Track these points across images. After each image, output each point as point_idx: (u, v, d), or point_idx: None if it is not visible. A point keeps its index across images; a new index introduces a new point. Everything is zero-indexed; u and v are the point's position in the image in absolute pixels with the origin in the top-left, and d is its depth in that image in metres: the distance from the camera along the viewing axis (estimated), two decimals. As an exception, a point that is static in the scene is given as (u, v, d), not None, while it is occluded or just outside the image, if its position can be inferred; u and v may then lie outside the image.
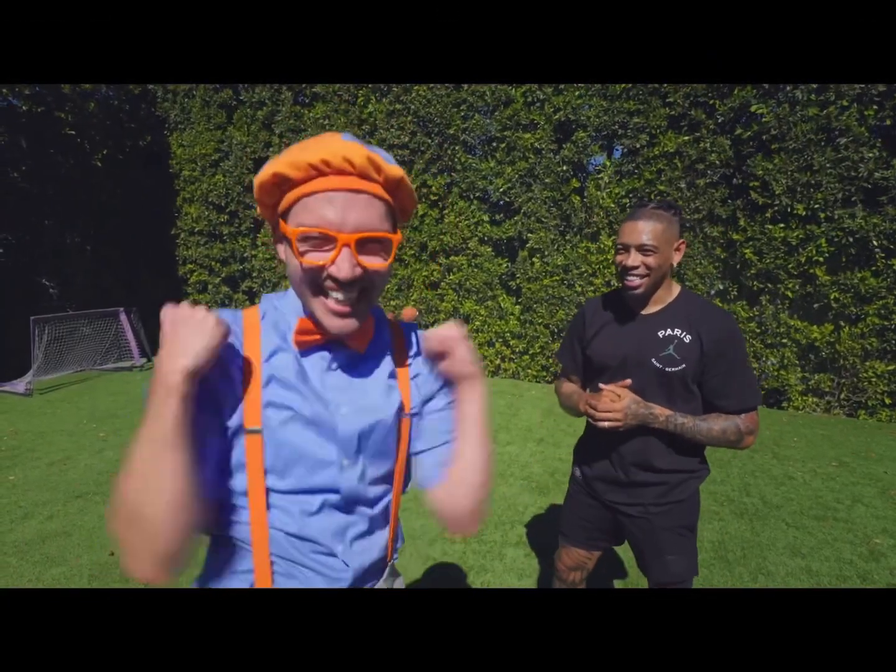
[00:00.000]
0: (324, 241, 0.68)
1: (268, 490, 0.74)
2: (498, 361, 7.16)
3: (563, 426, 4.99)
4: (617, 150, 6.33)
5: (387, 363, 0.84)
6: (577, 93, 6.02)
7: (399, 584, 0.92)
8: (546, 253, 6.54)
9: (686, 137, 5.55)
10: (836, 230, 5.08)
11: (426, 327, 6.09)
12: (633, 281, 1.35)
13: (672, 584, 1.43)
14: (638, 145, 5.79)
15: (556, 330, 6.69)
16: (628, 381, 1.35)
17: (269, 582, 0.77)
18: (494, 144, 6.66)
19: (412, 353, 0.88)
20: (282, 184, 0.71)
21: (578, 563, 1.65)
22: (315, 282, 0.70)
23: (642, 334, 1.40)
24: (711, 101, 5.42)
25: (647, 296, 1.40)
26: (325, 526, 0.77)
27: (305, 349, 0.76)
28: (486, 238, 6.89)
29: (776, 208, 5.29)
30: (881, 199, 4.89)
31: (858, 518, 3.28)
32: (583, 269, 6.35)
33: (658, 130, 5.68)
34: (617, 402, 1.31)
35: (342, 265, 0.67)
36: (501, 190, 6.65)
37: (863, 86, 4.72)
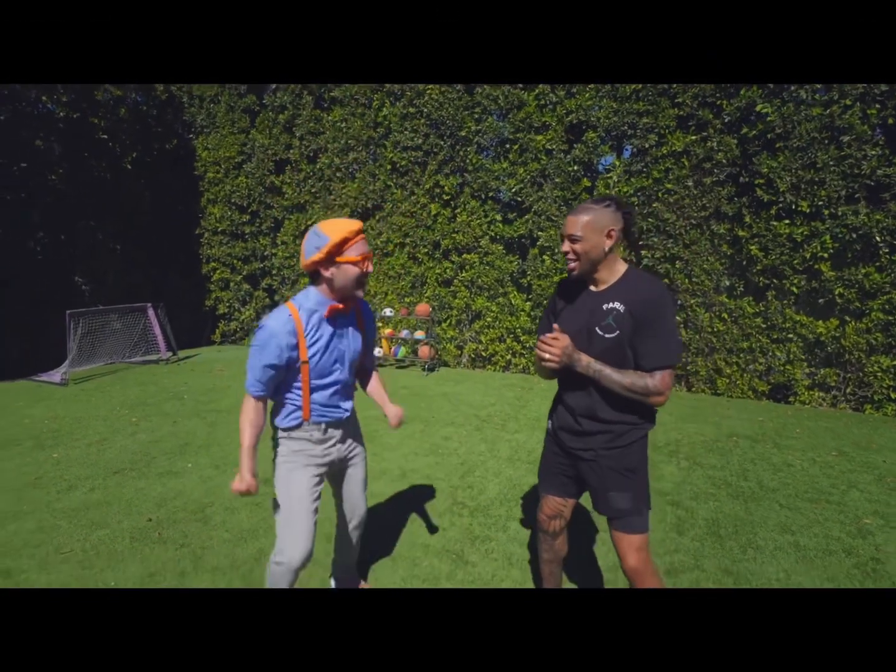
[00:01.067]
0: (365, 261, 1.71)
1: (311, 388, 1.77)
2: (509, 356, 7.35)
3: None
4: (627, 149, 6.48)
5: (352, 316, 1.86)
6: (587, 95, 6.20)
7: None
8: (556, 251, 6.71)
9: (693, 137, 5.70)
10: (840, 227, 5.18)
11: (440, 323, 6.31)
12: (569, 265, 1.65)
13: (615, 517, 1.68)
14: (647, 145, 5.95)
15: (565, 326, 6.86)
16: (557, 326, 1.63)
17: (308, 416, 1.78)
18: (507, 146, 6.86)
19: (364, 310, 1.94)
20: (345, 241, 1.65)
21: (556, 510, 1.88)
22: (360, 279, 1.71)
23: (592, 308, 1.65)
24: (718, 102, 5.55)
25: (587, 275, 1.66)
26: (339, 395, 1.85)
27: (329, 317, 1.74)
28: (497, 236, 7.09)
29: (781, 205, 5.41)
30: (884, 196, 4.99)
31: (851, 501, 3.40)
32: (592, 266, 6.51)
33: (666, 130, 5.83)
34: (556, 344, 1.57)
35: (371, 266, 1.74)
36: (513, 190, 6.85)
37: (865, 85, 4.83)
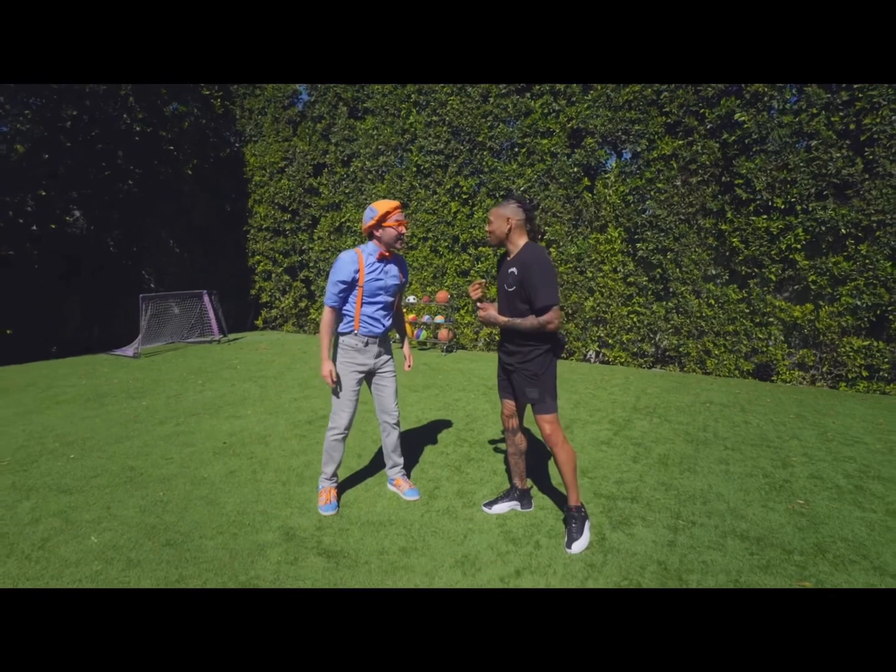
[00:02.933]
0: (401, 225, 2.74)
1: (364, 302, 2.76)
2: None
3: (568, 387, 5.94)
4: (625, 153, 7.19)
5: (397, 264, 2.87)
6: (586, 104, 6.95)
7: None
8: (561, 243, 7.48)
9: (680, 142, 6.39)
10: (811, 220, 5.81)
11: (458, 310, 7.16)
12: (489, 238, 2.55)
13: (532, 404, 2.49)
14: (639, 149, 6.67)
15: (570, 312, 7.62)
16: (483, 280, 2.54)
17: (357, 326, 2.78)
18: (516, 150, 7.66)
19: (404, 262, 2.95)
20: (387, 214, 2.70)
21: (510, 410, 2.74)
22: (398, 237, 2.73)
23: (503, 272, 2.51)
24: (702, 110, 6.24)
25: (500, 246, 2.52)
26: (381, 312, 2.82)
27: (380, 260, 2.76)
28: (509, 231, 7.88)
29: (759, 202, 6.06)
30: (848, 193, 5.60)
31: (788, 447, 4.09)
32: (593, 258, 7.26)
33: (656, 136, 6.54)
34: (486, 308, 2.50)
35: (406, 231, 2.80)
36: (522, 189, 7.64)
37: (830, 95, 5.45)
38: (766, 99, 5.79)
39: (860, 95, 5.34)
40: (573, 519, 2.58)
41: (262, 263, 9.90)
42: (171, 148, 7.66)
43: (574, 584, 2.26)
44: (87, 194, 6.96)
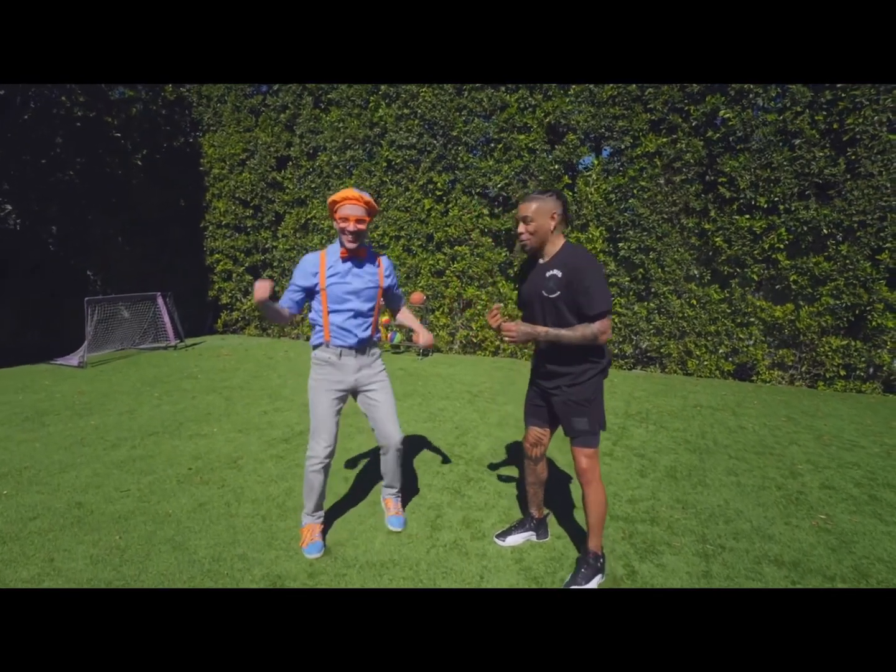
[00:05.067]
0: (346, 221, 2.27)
1: (329, 310, 2.36)
2: (498, 342, 7.88)
3: (553, 391, 5.72)
4: (605, 150, 7.03)
5: (372, 265, 2.45)
6: (567, 99, 6.74)
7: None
8: (541, 243, 7.25)
9: (664, 139, 6.27)
10: (793, 220, 5.78)
11: (433, 311, 6.82)
12: (522, 241, 2.14)
13: (576, 437, 2.16)
14: (622, 146, 6.51)
15: (550, 312, 7.41)
16: (499, 305, 2.12)
17: (328, 336, 2.39)
18: (492, 145, 7.38)
19: (384, 266, 2.49)
20: (334, 203, 2.27)
21: (537, 439, 2.40)
22: (344, 235, 2.29)
23: (540, 275, 2.14)
24: (686, 108, 6.13)
25: (538, 250, 2.15)
26: (350, 322, 2.38)
27: (344, 260, 2.36)
28: (486, 230, 7.61)
29: (742, 201, 6.01)
30: (830, 193, 5.60)
31: (790, 454, 3.98)
32: (574, 257, 7.06)
33: (640, 133, 6.39)
34: (513, 326, 2.03)
35: (351, 227, 2.28)
36: (499, 186, 7.38)
37: (813, 94, 5.42)
38: (750, 96, 5.71)
39: (843, 95, 5.33)
40: (586, 564, 2.28)
41: (221, 262, 9.24)
42: (119, 135, 6.95)
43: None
44: (19, 186, 6.21)
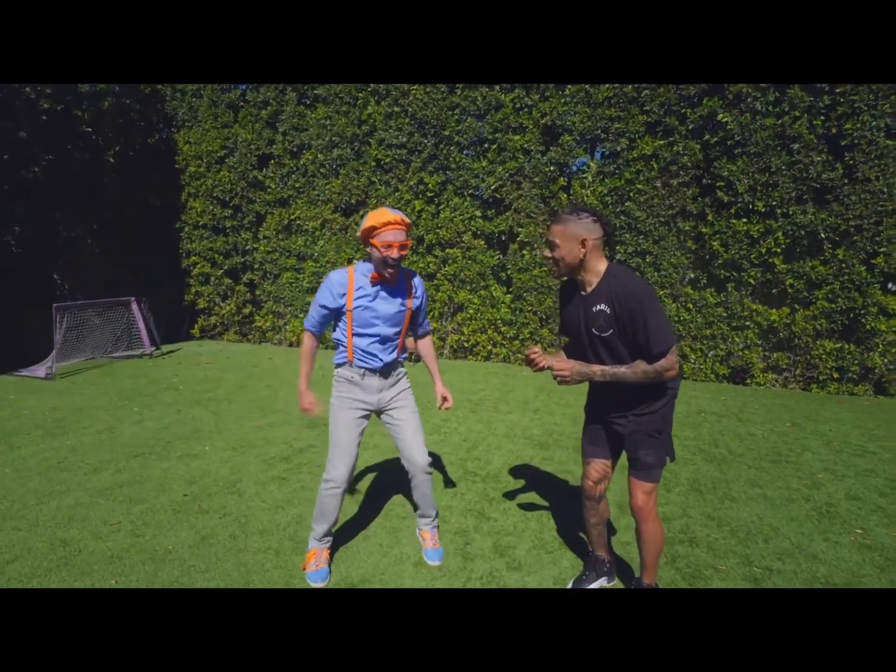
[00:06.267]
0: (389, 248, 2.06)
1: (354, 333, 2.22)
2: (490, 347, 7.72)
3: (555, 399, 5.57)
4: (598, 153, 6.94)
5: (402, 287, 2.25)
6: (562, 100, 6.62)
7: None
8: (535, 245, 7.12)
9: (661, 142, 6.21)
10: (790, 224, 5.79)
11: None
12: (550, 269, 1.92)
13: (640, 469, 1.97)
14: (619, 148, 6.42)
15: (544, 317, 7.29)
16: (535, 348, 1.90)
17: (351, 357, 2.26)
18: (486, 146, 7.21)
19: (414, 287, 2.30)
20: (373, 229, 2.05)
21: (602, 473, 2.15)
22: (383, 261, 2.08)
23: (585, 310, 1.90)
24: (683, 110, 6.08)
25: (569, 277, 1.94)
26: (377, 346, 2.24)
27: (374, 283, 2.17)
28: (479, 232, 7.44)
29: (739, 205, 5.99)
30: (828, 198, 5.62)
31: (806, 462, 3.93)
32: (569, 261, 6.94)
33: (637, 135, 6.32)
34: (565, 366, 1.82)
35: (395, 254, 2.08)
36: (493, 188, 7.21)
37: (812, 98, 5.43)
38: (748, 100, 5.69)
39: (841, 100, 5.36)
40: None
41: (198, 265, 8.78)
42: (90, 130, 6.48)
43: None
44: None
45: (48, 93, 5.83)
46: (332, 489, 2.27)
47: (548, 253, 1.88)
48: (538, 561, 2.51)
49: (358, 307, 2.16)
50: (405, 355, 2.47)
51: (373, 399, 2.31)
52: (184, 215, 8.69)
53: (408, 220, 2.10)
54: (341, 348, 2.28)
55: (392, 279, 2.16)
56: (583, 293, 1.92)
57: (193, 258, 8.82)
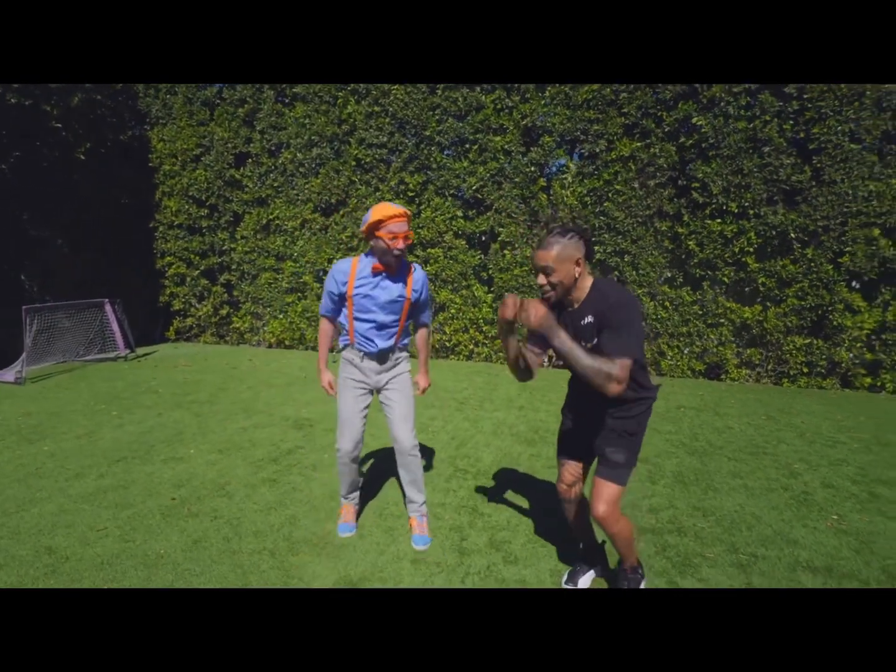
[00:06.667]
0: (394, 239, 2.23)
1: (354, 317, 2.40)
2: (472, 346, 7.76)
3: (538, 396, 5.65)
4: (576, 154, 7.06)
5: (402, 278, 2.38)
6: (542, 102, 6.71)
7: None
8: (516, 245, 7.20)
9: (639, 144, 6.35)
10: (762, 225, 6.00)
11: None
12: (546, 294, 1.86)
13: (608, 467, 1.95)
14: (597, 150, 6.55)
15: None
16: (513, 295, 1.76)
17: (352, 339, 2.46)
18: (467, 146, 7.25)
19: (415, 280, 2.42)
20: (379, 222, 2.20)
21: (575, 477, 2.19)
22: (388, 252, 2.24)
23: (574, 325, 1.89)
24: (659, 113, 6.23)
25: (565, 297, 1.87)
26: (374, 331, 2.41)
27: (375, 274, 2.32)
28: (460, 232, 7.48)
29: (714, 206, 6.18)
30: (797, 199, 5.85)
31: (782, 453, 4.08)
32: (549, 260, 7.04)
33: (615, 137, 6.45)
34: (540, 309, 1.67)
35: (401, 244, 2.25)
36: (474, 188, 7.26)
37: (781, 103, 5.64)
38: (721, 104, 5.88)
39: (809, 105, 5.58)
40: (627, 581, 2.20)
41: (173, 266, 8.58)
42: (59, 125, 6.27)
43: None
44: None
45: (15, 87, 5.63)
46: (343, 459, 2.57)
47: (543, 280, 1.81)
48: (534, 554, 2.56)
49: (357, 294, 2.35)
50: (405, 341, 2.60)
51: (371, 380, 2.53)
52: (158, 214, 8.49)
53: (409, 213, 2.25)
54: (344, 332, 2.51)
55: (394, 268, 2.32)
56: (570, 309, 1.91)
57: (168, 258, 8.62)
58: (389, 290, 2.36)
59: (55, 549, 2.55)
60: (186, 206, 8.31)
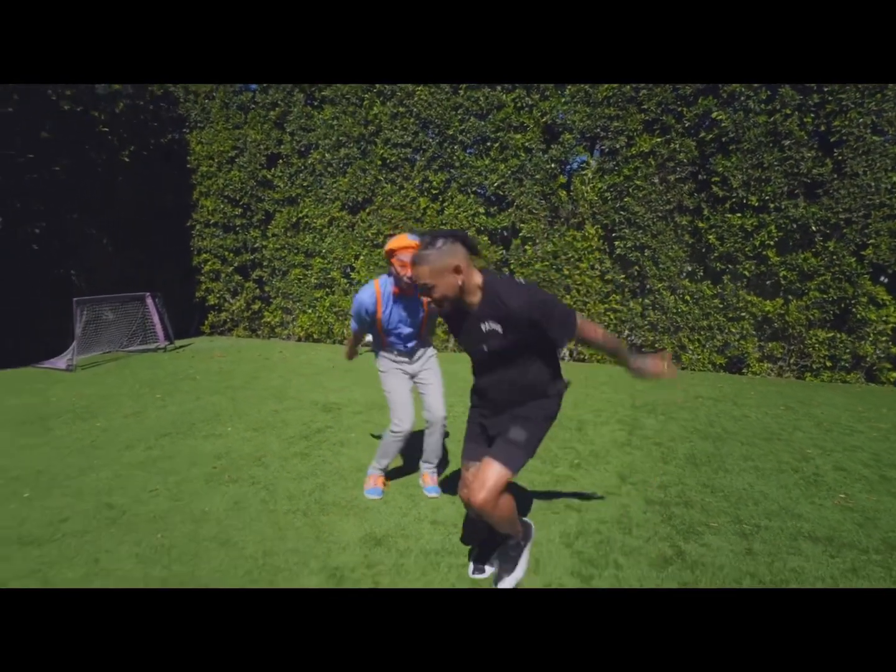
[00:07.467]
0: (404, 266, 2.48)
1: (383, 331, 2.79)
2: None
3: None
4: (597, 151, 7.17)
5: (418, 299, 2.69)
6: (563, 99, 6.86)
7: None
8: (537, 241, 7.35)
9: (659, 139, 6.44)
10: (783, 218, 6.02)
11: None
12: (435, 308, 1.87)
13: (506, 446, 1.89)
14: (617, 146, 6.66)
15: (546, 310, 7.50)
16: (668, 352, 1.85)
17: (384, 346, 2.89)
18: (489, 144, 7.44)
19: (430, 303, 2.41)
20: (392, 251, 2.53)
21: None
22: (401, 279, 2.56)
23: (474, 328, 1.83)
24: (679, 108, 6.31)
25: (456, 303, 1.81)
26: (401, 339, 2.82)
27: (396, 296, 2.68)
28: (482, 228, 7.66)
29: (734, 200, 6.22)
30: (818, 192, 5.86)
31: (797, 440, 4.15)
32: (570, 255, 7.18)
33: (635, 133, 6.55)
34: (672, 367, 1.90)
35: (410, 272, 2.09)
36: (496, 185, 7.44)
37: (802, 97, 5.67)
38: (742, 99, 5.93)
39: (830, 98, 5.59)
40: (508, 552, 2.12)
41: (209, 262, 9.01)
42: (106, 130, 6.71)
43: (678, 609, 2.04)
44: (3, 182, 5.94)
45: (68, 94, 6.07)
46: (398, 438, 2.84)
47: (429, 297, 1.78)
48: (546, 519, 2.74)
49: (384, 316, 2.73)
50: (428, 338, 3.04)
51: (409, 368, 2.92)
52: (195, 214, 8.92)
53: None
54: (377, 340, 2.90)
55: (409, 291, 2.64)
56: (469, 312, 1.84)
57: (204, 255, 9.06)
58: (409, 308, 2.73)
59: (114, 505, 2.85)
60: (222, 206, 8.72)
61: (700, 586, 2.19)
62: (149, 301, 7.44)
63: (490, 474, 1.82)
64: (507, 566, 2.11)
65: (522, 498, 2.98)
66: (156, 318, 7.53)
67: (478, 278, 1.79)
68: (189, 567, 2.26)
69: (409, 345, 2.87)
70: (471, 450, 2.08)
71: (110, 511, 2.77)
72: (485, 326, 1.78)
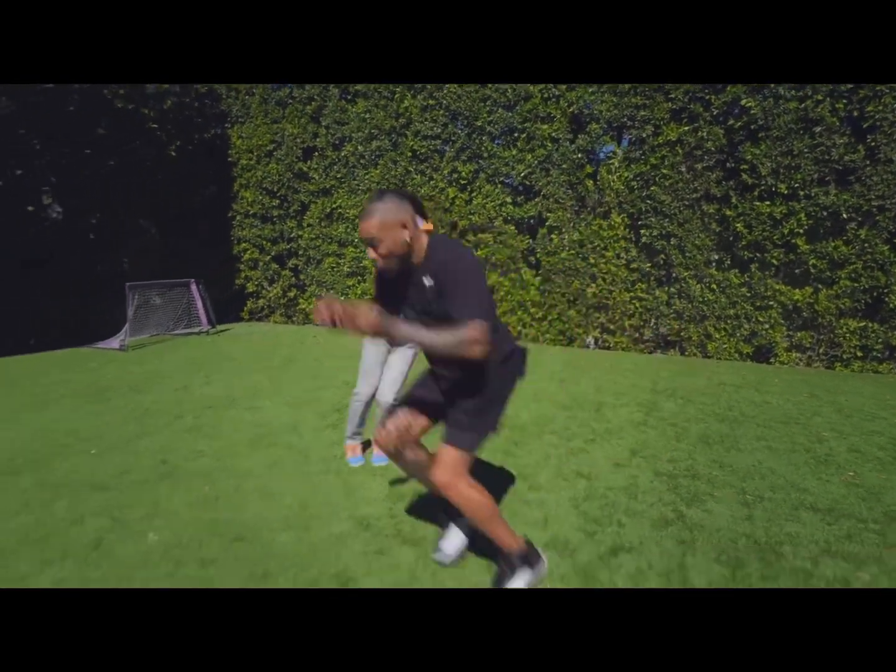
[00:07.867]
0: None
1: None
2: (519, 327, 8.10)
3: (582, 372, 5.94)
4: (624, 140, 7.21)
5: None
6: (589, 90, 6.93)
7: None
8: (563, 230, 7.46)
9: (686, 128, 6.45)
10: (813, 206, 5.97)
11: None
12: (382, 266, 1.73)
13: (454, 425, 1.87)
14: (644, 135, 6.70)
15: (571, 298, 7.62)
16: (329, 298, 1.59)
17: None
18: (516, 135, 7.58)
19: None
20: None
21: (400, 423, 1.93)
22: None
23: (416, 283, 1.77)
24: (707, 97, 6.30)
25: (404, 263, 1.74)
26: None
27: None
28: (509, 217, 7.82)
29: (763, 188, 6.19)
30: (850, 179, 5.78)
31: (815, 424, 4.18)
32: (596, 244, 7.27)
33: (662, 122, 6.58)
34: (371, 319, 1.53)
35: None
36: (523, 175, 7.58)
37: (833, 83, 5.60)
38: (771, 85, 5.89)
39: (863, 84, 5.50)
40: (509, 564, 1.94)
41: (248, 251, 9.49)
42: (155, 126, 7.18)
43: (673, 562, 2.21)
44: (63, 174, 6.46)
45: (121, 93, 6.53)
46: (356, 400, 3.13)
47: (373, 253, 1.70)
48: (556, 486, 2.94)
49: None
50: None
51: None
52: (235, 205, 9.39)
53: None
54: None
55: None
56: (414, 264, 1.78)
57: (244, 245, 9.52)
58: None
59: (168, 462, 3.20)
60: (260, 197, 9.15)
61: (697, 545, 2.35)
62: (193, 287, 7.92)
63: (444, 455, 1.83)
64: (501, 581, 1.96)
65: (535, 468, 3.19)
66: (199, 304, 8.01)
67: (424, 238, 1.76)
68: (233, 513, 2.57)
69: None
70: (408, 398, 2.08)
71: (164, 466, 3.12)
72: (425, 280, 1.74)
